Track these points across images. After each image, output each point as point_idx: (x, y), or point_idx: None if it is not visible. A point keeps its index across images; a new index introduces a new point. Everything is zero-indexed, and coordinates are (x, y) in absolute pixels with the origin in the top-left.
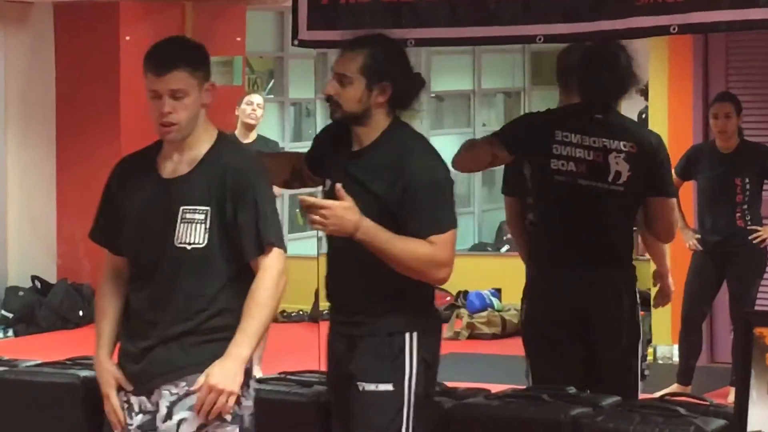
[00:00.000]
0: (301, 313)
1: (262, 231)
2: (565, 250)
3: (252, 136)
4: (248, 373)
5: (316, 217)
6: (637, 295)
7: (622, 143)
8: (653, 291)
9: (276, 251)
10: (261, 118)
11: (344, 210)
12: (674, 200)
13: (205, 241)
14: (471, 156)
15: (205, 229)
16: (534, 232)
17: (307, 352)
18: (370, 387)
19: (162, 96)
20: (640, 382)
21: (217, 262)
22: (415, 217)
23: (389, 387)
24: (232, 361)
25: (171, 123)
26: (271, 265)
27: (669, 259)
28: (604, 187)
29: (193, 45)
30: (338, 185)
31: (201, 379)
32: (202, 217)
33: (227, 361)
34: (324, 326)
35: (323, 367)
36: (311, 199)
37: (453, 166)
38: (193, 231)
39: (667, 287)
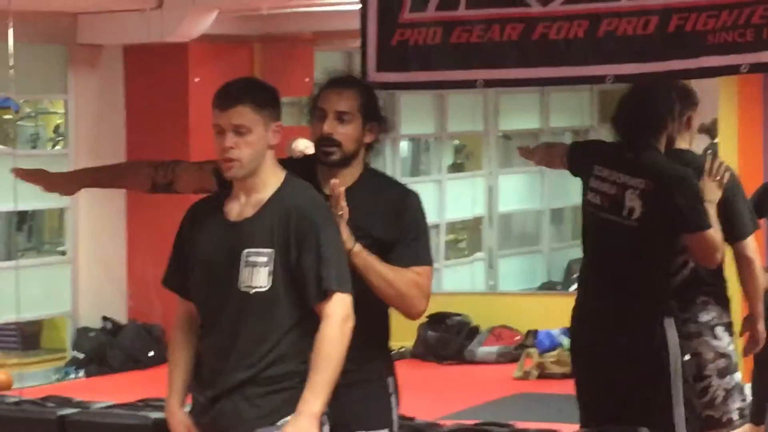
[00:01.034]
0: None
1: (324, 276)
2: (592, 279)
3: None
4: (323, 424)
5: (340, 211)
6: (665, 330)
7: (638, 180)
8: (739, 340)
9: (338, 297)
10: None
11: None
12: (706, 233)
13: (269, 285)
14: (546, 156)
15: (269, 272)
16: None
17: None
18: None
19: (225, 131)
20: (734, 419)
21: (281, 306)
22: (402, 248)
23: None
24: (304, 419)
25: (232, 159)
26: (333, 312)
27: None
28: (619, 222)
29: (261, 85)
30: (335, 181)
31: None
32: (266, 259)
33: (300, 419)
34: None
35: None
36: (341, 190)
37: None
38: (257, 274)
39: (758, 333)
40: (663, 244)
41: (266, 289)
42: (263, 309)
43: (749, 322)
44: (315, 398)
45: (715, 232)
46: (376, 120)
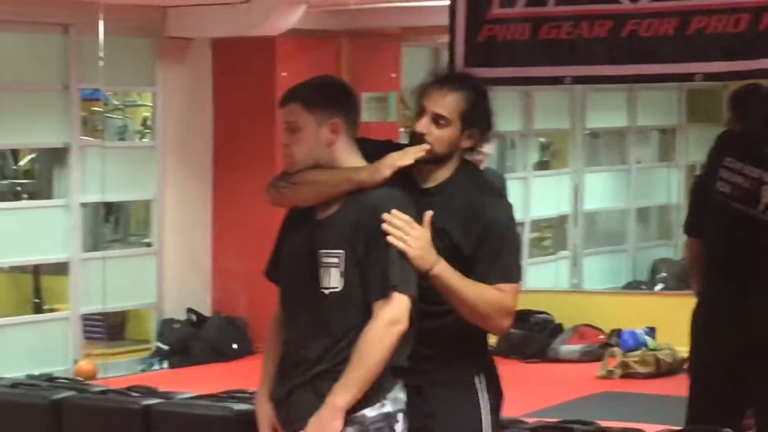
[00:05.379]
0: None
1: (389, 275)
2: (715, 272)
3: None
4: (389, 417)
5: (405, 238)
6: None
7: None
8: None
9: (396, 297)
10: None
11: (430, 240)
12: None
13: (342, 285)
14: None
15: (341, 273)
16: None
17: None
18: None
19: (284, 129)
20: None
21: (355, 305)
22: (486, 263)
23: None
24: (327, 411)
25: (287, 155)
26: (383, 313)
27: None
28: (754, 215)
29: (319, 83)
30: (429, 213)
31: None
32: (336, 260)
33: (322, 410)
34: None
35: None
36: (406, 217)
37: None
38: (330, 275)
39: None
40: None
41: (339, 289)
42: (338, 308)
43: None
44: (342, 393)
45: None
46: (479, 127)
